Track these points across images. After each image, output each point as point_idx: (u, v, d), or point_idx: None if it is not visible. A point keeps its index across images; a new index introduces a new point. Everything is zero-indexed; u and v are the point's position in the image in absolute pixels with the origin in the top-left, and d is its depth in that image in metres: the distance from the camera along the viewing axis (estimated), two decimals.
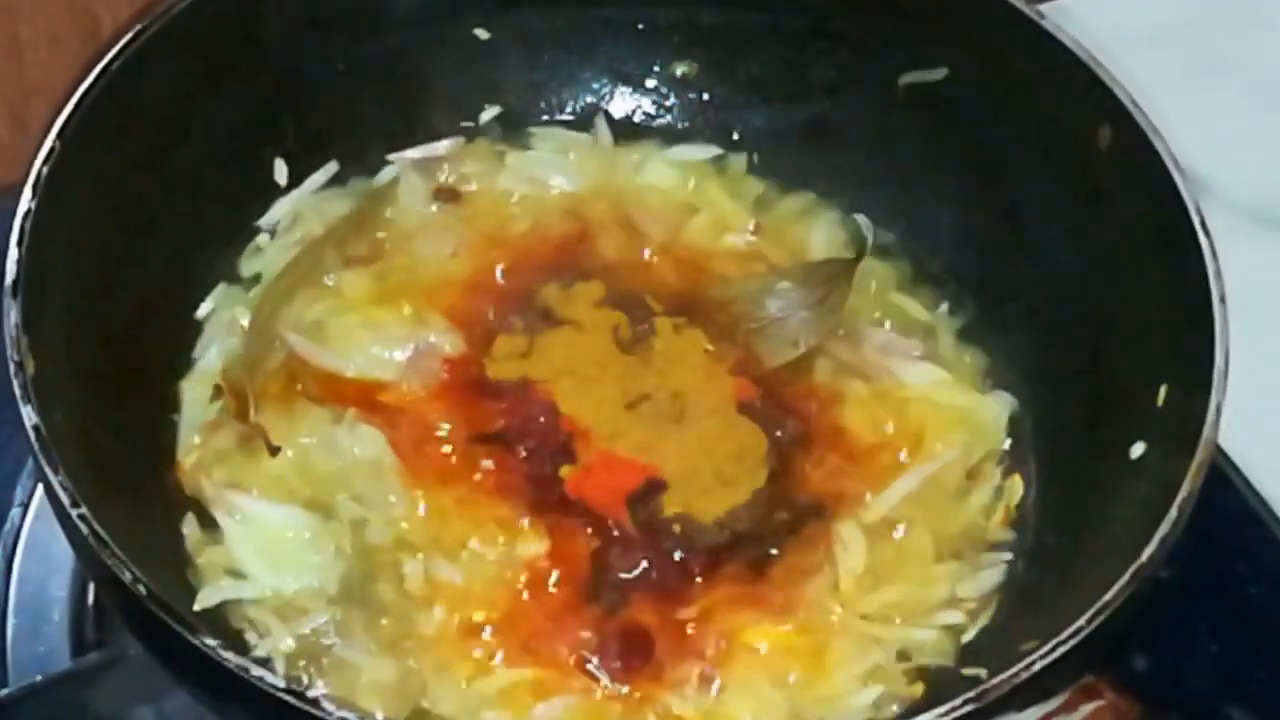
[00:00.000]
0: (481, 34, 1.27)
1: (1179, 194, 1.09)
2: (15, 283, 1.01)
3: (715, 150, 1.28)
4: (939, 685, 1.06)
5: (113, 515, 0.96)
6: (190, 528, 1.09)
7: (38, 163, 1.05)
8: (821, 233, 1.26)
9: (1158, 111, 1.13)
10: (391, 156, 1.26)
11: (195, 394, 1.14)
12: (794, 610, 1.08)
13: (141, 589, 0.93)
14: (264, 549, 1.08)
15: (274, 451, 1.11)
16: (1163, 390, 1.07)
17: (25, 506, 1.19)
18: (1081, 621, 0.95)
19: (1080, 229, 1.17)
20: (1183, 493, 1.00)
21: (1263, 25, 1.56)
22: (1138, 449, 1.07)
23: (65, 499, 0.95)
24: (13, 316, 1.00)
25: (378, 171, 1.26)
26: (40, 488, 1.13)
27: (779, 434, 1.14)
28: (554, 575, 1.08)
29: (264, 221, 1.22)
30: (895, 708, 1.06)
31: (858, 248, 1.24)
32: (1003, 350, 1.21)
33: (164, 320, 1.16)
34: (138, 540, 0.97)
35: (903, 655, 1.08)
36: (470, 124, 1.28)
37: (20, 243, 1.03)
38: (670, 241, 1.23)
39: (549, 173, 1.26)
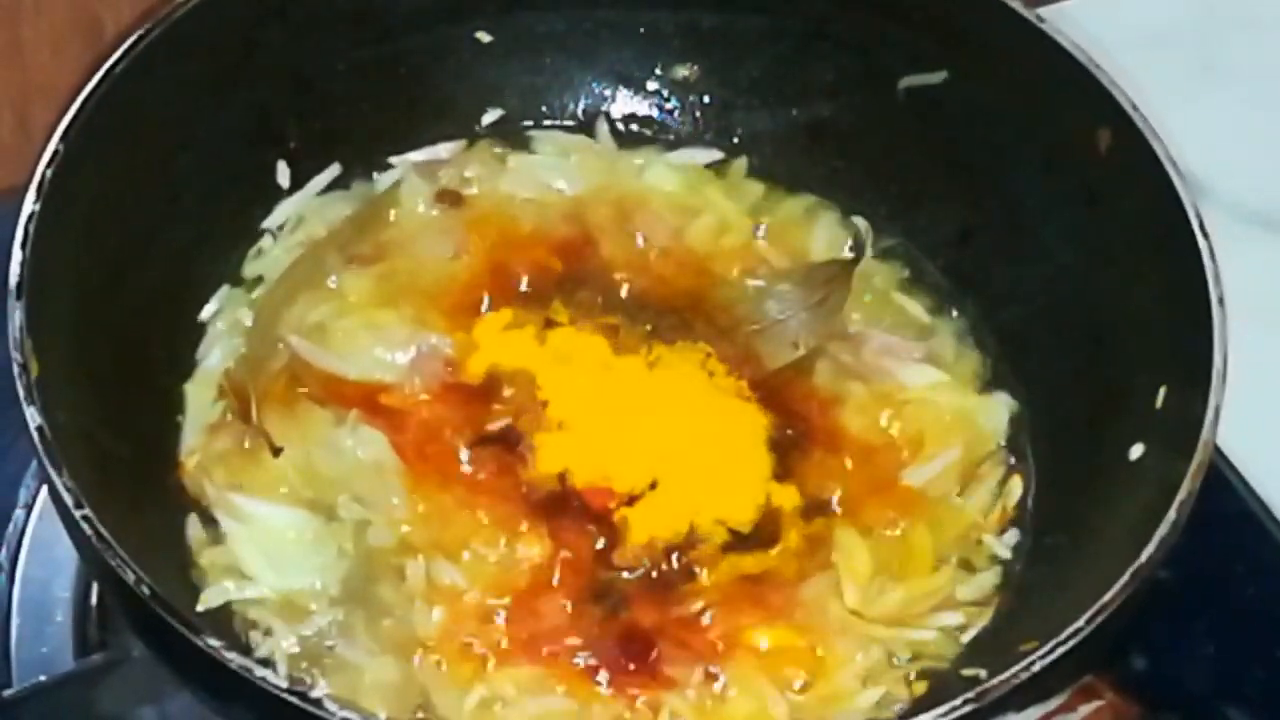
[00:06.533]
0: (483, 37, 1.28)
1: (1178, 196, 1.09)
2: (19, 285, 1.02)
3: (716, 154, 1.28)
4: (939, 685, 1.06)
5: (116, 516, 0.97)
6: (193, 529, 1.09)
7: (41, 165, 1.05)
8: (822, 235, 1.26)
9: (1157, 114, 1.13)
10: (394, 159, 1.26)
11: (198, 395, 1.15)
12: (794, 611, 1.08)
13: (145, 590, 0.94)
14: (266, 550, 1.08)
15: (276, 453, 1.11)
16: (1162, 392, 1.07)
17: (29, 508, 1.19)
18: (1081, 622, 0.96)
19: (1080, 231, 1.18)
20: (1181, 494, 1.00)
21: (1263, 27, 1.56)
22: (1137, 450, 1.07)
23: (69, 500, 0.96)
24: (17, 318, 1.00)
25: (380, 174, 1.26)
26: (44, 489, 1.13)
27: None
28: (555, 576, 1.08)
29: (267, 224, 1.23)
30: (895, 708, 1.06)
31: (858, 250, 1.24)
32: (1002, 352, 1.21)
33: (167, 322, 1.16)
34: (141, 541, 0.97)
35: (903, 655, 1.08)
36: (473, 127, 1.28)
37: (24, 245, 1.03)
38: (671, 244, 1.23)
39: (551, 176, 1.27)
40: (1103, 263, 1.16)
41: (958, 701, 0.93)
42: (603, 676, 1.05)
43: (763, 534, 1.11)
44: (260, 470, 1.11)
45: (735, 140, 1.29)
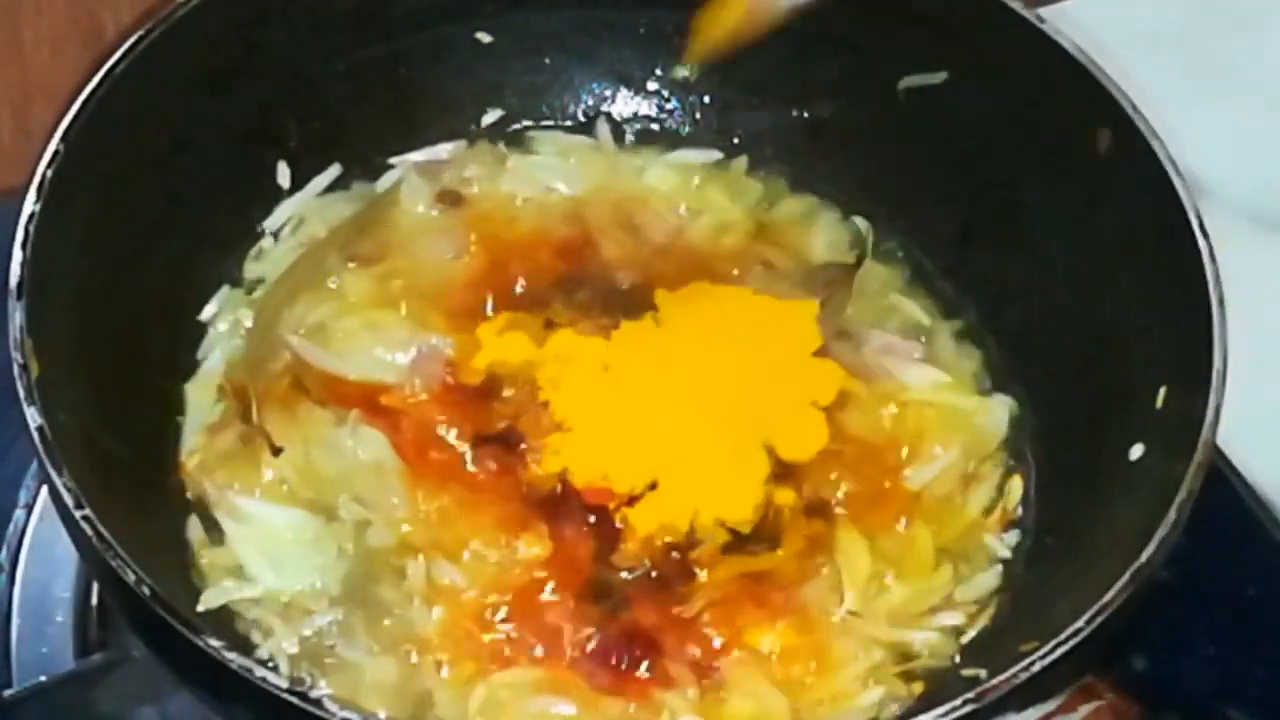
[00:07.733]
0: (483, 37, 1.28)
1: (1178, 197, 1.09)
2: (20, 285, 1.02)
3: (716, 154, 1.29)
4: (939, 685, 1.06)
5: (117, 517, 0.97)
6: (194, 529, 1.10)
7: (41, 166, 1.06)
8: (822, 235, 1.26)
9: (1157, 114, 1.13)
10: (394, 160, 1.26)
11: (199, 396, 1.15)
12: (794, 611, 1.08)
13: (145, 590, 0.94)
14: (267, 550, 1.08)
15: (276, 453, 1.11)
16: (1162, 392, 1.07)
17: (29, 508, 1.19)
18: (1080, 622, 0.96)
19: (1080, 232, 1.18)
20: (1181, 494, 1.00)
21: (1263, 28, 1.56)
22: (1137, 450, 1.07)
23: (69, 500, 0.96)
24: (17, 319, 1.01)
25: (380, 175, 1.26)
26: (44, 489, 1.13)
27: None
28: (555, 576, 1.08)
29: (267, 224, 1.23)
30: (895, 708, 1.06)
31: (858, 250, 1.24)
32: (1002, 352, 1.21)
33: (167, 322, 1.16)
34: (142, 542, 0.97)
35: (903, 656, 1.08)
36: (472, 127, 1.28)
37: (24, 245, 1.03)
38: (671, 244, 1.24)
39: (551, 176, 1.27)
40: (1103, 263, 1.16)
41: (958, 701, 0.93)
42: (603, 677, 1.05)
43: (763, 534, 1.11)
44: (260, 470, 1.11)
45: (735, 140, 1.29)
